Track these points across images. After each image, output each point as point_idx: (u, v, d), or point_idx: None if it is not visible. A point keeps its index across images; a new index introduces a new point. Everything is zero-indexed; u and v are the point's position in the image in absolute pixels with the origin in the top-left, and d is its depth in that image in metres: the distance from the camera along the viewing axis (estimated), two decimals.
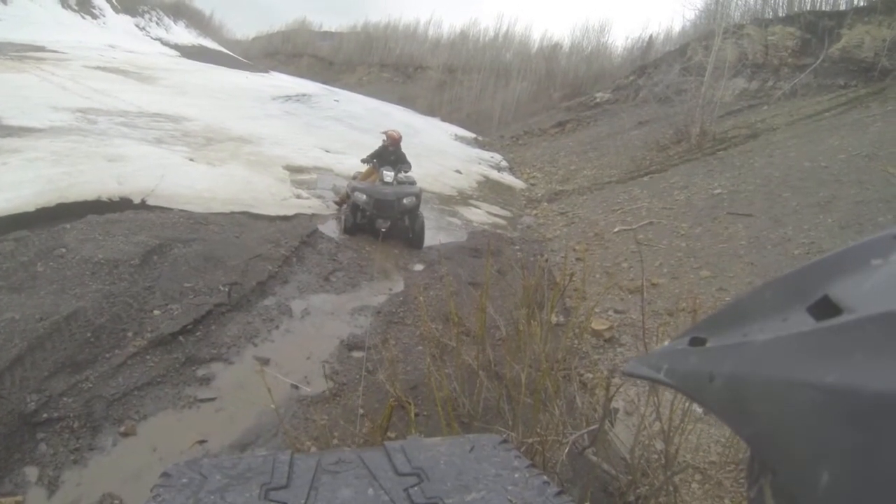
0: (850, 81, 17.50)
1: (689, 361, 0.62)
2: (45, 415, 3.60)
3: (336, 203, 9.82)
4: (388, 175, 8.70)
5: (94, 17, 40.46)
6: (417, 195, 8.75)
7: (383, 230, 8.25)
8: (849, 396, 0.37)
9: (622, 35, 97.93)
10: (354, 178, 9.68)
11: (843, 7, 21.68)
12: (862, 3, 20.92)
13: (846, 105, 15.27)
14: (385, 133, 9.76)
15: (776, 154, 12.48)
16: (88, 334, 4.38)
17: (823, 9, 22.25)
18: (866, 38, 18.29)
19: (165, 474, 1.26)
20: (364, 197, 8.35)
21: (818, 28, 20.38)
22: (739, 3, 24.33)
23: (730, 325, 0.59)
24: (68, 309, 4.49)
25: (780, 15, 23.27)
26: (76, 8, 39.06)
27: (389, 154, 9.37)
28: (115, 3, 44.19)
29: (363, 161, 9.48)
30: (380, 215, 8.37)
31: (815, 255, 7.26)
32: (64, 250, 5.41)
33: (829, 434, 0.38)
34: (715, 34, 17.93)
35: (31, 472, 3.24)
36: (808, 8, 22.56)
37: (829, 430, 0.38)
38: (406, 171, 9.15)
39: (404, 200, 8.46)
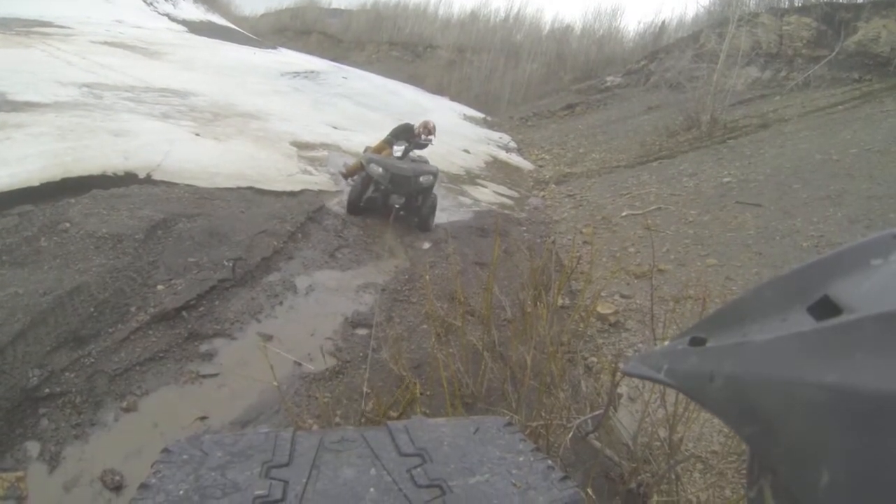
0: (865, 75, 17.41)
1: (689, 361, 0.62)
2: (46, 390, 3.59)
3: (343, 174, 9.70)
4: (398, 150, 8.53)
5: None
6: (435, 174, 8.53)
7: (397, 206, 8.07)
8: (849, 396, 0.37)
9: (634, 19, 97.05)
10: (366, 152, 9.54)
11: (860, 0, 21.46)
12: None
13: (860, 99, 15.20)
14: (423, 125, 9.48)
15: (787, 145, 12.44)
16: (91, 309, 4.37)
17: (840, 0, 22.03)
18: (883, 32, 18.13)
19: (166, 450, 1.25)
20: (380, 170, 8.07)
21: (834, 20, 20.21)
22: None
23: (730, 325, 0.60)
24: (71, 283, 4.48)
25: (797, 4, 23.06)
26: None
27: (413, 139, 9.11)
28: None
29: (387, 141, 9.26)
30: (395, 191, 8.12)
31: (824, 248, 7.26)
32: (68, 225, 5.39)
33: (829, 434, 0.38)
34: (729, 21, 17.81)
35: (33, 448, 3.24)
36: None
37: (829, 430, 0.38)
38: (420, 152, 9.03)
39: (421, 178, 8.20)
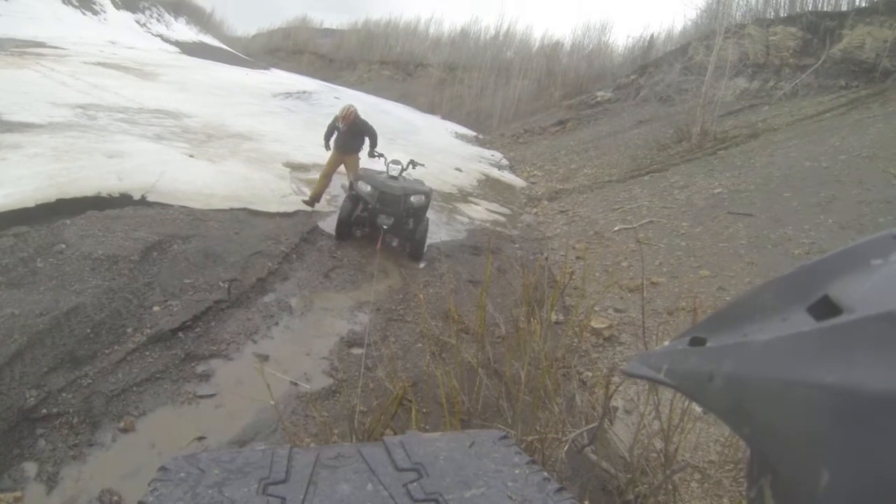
0: (852, 82, 17.58)
1: (689, 361, 0.61)
2: (44, 410, 3.59)
3: (305, 202, 8.97)
4: (394, 168, 8.12)
5: (95, 13, 40.33)
6: (427, 195, 8.12)
7: (385, 227, 7.66)
8: (849, 396, 0.37)
9: (623, 34, 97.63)
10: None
11: (844, 7, 21.71)
12: (863, 4, 20.95)
13: (847, 106, 15.33)
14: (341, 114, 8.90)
15: (777, 154, 12.53)
16: (88, 330, 4.37)
17: (825, 9, 22.28)
18: (868, 38, 18.31)
19: (163, 468, 1.25)
20: (368, 188, 7.68)
21: (819, 28, 20.44)
22: (741, 2, 24.43)
23: (730, 325, 0.59)
24: (68, 304, 4.48)
25: (782, 15, 23.33)
26: (77, 4, 38.91)
27: (345, 136, 8.77)
28: (116, 0, 44.15)
29: (325, 137, 9.03)
30: (383, 210, 7.67)
31: (816, 255, 7.28)
32: (63, 246, 5.40)
33: (829, 434, 0.38)
34: (716, 34, 18.00)
35: (31, 468, 3.24)
36: (810, 8, 22.60)
37: (829, 430, 0.38)
38: (379, 151, 8.78)
39: (412, 198, 7.76)
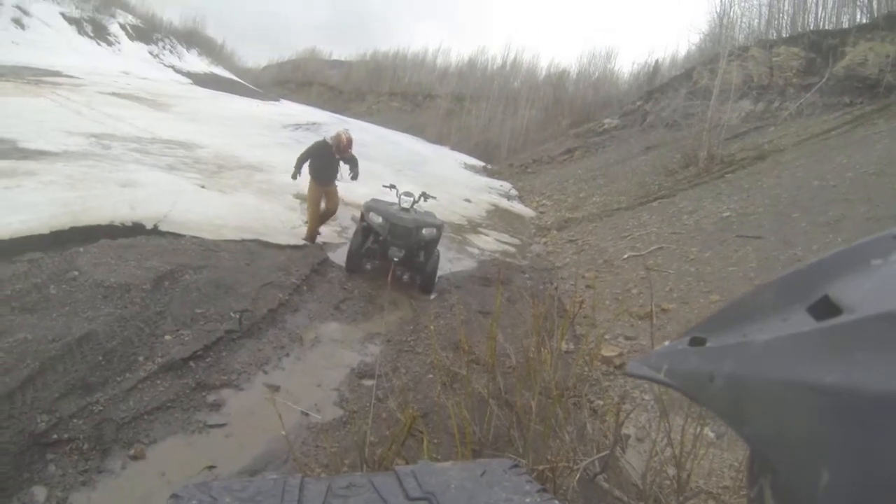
0: (856, 99, 17.66)
1: (690, 361, 0.61)
2: (54, 435, 3.59)
3: (305, 240, 8.78)
4: (406, 200, 8.04)
5: (110, 43, 41.15)
6: (439, 228, 8.06)
7: (396, 259, 7.59)
8: (849, 396, 0.37)
9: (628, 61, 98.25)
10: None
11: (845, 25, 21.87)
12: (864, 20, 21.09)
13: (852, 123, 15.37)
14: (337, 137, 8.78)
15: (784, 175, 12.51)
16: (100, 357, 4.39)
17: (826, 27, 22.47)
18: (870, 54, 18.44)
19: (175, 496, 1.24)
20: (380, 220, 7.64)
21: (822, 47, 20.64)
22: (744, 25, 24.77)
23: (730, 325, 0.59)
24: (80, 331, 4.50)
25: (784, 35, 23.60)
26: (92, 35, 39.81)
27: (332, 164, 8.76)
28: (130, 31, 45.02)
29: (298, 162, 8.77)
30: (394, 242, 7.62)
31: None
32: (77, 273, 5.44)
33: (829, 434, 0.38)
34: (720, 57, 18.15)
35: (40, 493, 3.22)
36: (812, 27, 22.81)
37: (829, 430, 0.38)
38: (353, 172, 8.79)
39: (423, 231, 7.70)
